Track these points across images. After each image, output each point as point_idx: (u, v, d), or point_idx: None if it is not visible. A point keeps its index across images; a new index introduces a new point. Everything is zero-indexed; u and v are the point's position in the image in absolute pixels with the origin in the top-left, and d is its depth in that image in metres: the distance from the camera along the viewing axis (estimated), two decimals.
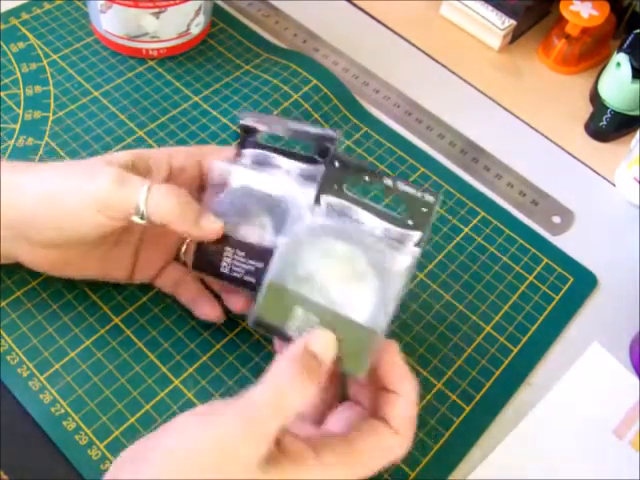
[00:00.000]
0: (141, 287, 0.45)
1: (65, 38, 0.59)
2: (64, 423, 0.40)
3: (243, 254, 0.39)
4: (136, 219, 0.38)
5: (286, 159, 0.40)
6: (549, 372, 0.45)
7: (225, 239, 0.39)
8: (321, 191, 0.37)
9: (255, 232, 0.39)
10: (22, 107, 0.54)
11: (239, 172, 0.40)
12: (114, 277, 0.44)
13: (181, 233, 0.39)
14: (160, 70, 0.58)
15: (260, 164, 0.40)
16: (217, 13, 0.62)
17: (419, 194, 0.35)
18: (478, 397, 0.44)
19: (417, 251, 0.35)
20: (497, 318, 0.47)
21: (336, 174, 0.37)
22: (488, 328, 0.47)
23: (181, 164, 0.42)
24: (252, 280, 0.39)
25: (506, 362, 0.45)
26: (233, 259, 0.39)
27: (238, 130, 0.40)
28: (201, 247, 0.40)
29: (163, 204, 0.37)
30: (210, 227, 0.38)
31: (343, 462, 0.33)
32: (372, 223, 0.36)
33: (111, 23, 0.56)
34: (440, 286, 0.48)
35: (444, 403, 0.43)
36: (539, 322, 0.47)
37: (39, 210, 0.38)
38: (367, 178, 0.36)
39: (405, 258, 0.35)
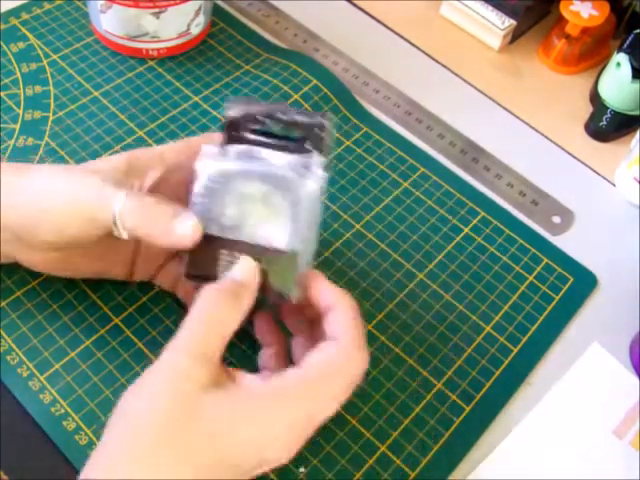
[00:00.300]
0: (141, 287, 0.45)
1: (65, 38, 0.59)
2: (64, 423, 0.40)
3: (240, 254, 0.38)
4: (117, 231, 0.37)
5: (274, 152, 0.39)
6: (549, 372, 0.45)
7: (217, 242, 0.37)
8: (225, 142, 0.39)
9: (246, 229, 0.38)
10: (22, 107, 0.54)
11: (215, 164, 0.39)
12: (114, 275, 0.44)
13: (156, 245, 0.37)
14: (160, 70, 0.58)
15: (245, 158, 0.39)
16: (217, 13, 0.62)
17: (310, 120, 0.38)
18: (478, 397, 0.44)
19: (322, 174, 0.38)
20: (497, 318, 0.47)
21: (234, 122, 0.39)
22: (488, 328, 0.47)
23: (174, 162, 0.41)
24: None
25: (506, 362, 0.45)
26: (231, 262, 0.37)
27: (223, 122, 0.40)
28: (193, 253, 0.37)
29: (134, 213, 0.36)
30: (181, 233, 0.36)
31: (293, 385, 0.34)
32: (276, 159, 0.38)
33: (111, 23, 0.56)
34: (440, 286, 0.48)
35: (444, 403, 0.43)
36: (539, 322, 0.47)
37: (33, 216, 0.38)
38: (260, 117, 0.39)
39: (312, 182, 0.38)
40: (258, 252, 0.37)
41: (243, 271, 0.36)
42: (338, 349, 0.36)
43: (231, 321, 0.35)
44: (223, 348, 0.34)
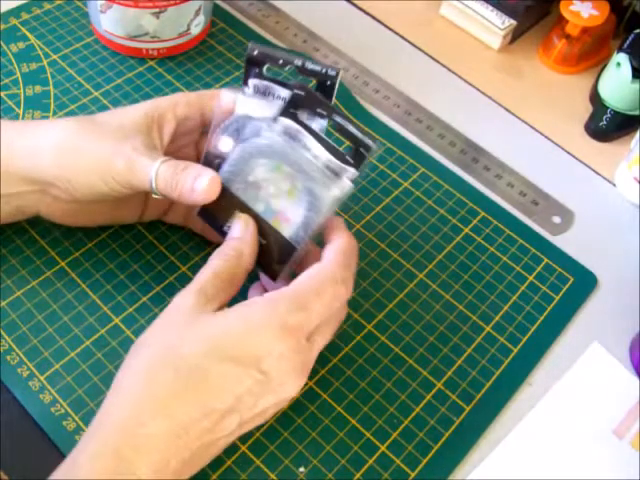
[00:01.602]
0: (141, 287, 0.45)
1: (65, 38, 0.59)
2: (64, 423, 0.40)
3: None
4: (155, 194, 0.41)
5: (287, 90, 0.42)
6: (549, 372, 0.45)
7: (234, 200, 0.41)
8: (248, 76, 0.42)
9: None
10: (22, 107, 0.54)
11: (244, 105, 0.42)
12: (127, 221, 0.47)
13: (183, 203, 0.41)
14: (160, 70, 0.58)
15: (262, 94, 0.42)
16: (217, 13, 0.62)
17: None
18: (478, 397, 0.44)
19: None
20: (497, 318, 0.47)
21: (254, 61, 0.42)
22: (488, 328, 0.47)
23: (184, 113, 0.43)
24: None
25: (506, 362, 0.45)
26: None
27: (244, 61, 0.42)
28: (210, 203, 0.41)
29: (167, 180, 0.40)
30: (203, 189, 0.40)
31: (275, 298, 0.36)
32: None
33: (111, 23, 0.56)
34: (440, 286, 0.48)
35: (444, 403, 0.43)
36: (539, 322, 0.47)
37: (67, 174, 0.41)
38: (280, 62, 0.42)
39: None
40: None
41: (239, 228, 0.40)
42: (324, 267, 0.38)
43: (227, 265, 0.38)
44: (222, 288, 0.37)
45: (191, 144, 0.46)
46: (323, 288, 0.37)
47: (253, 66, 0.42)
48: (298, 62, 0.42)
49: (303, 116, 0.41)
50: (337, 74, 0.42)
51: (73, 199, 0.42)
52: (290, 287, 0.37)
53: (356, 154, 0.40)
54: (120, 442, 0.33)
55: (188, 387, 0.34)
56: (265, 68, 0.42)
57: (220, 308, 0.37)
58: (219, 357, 0.34)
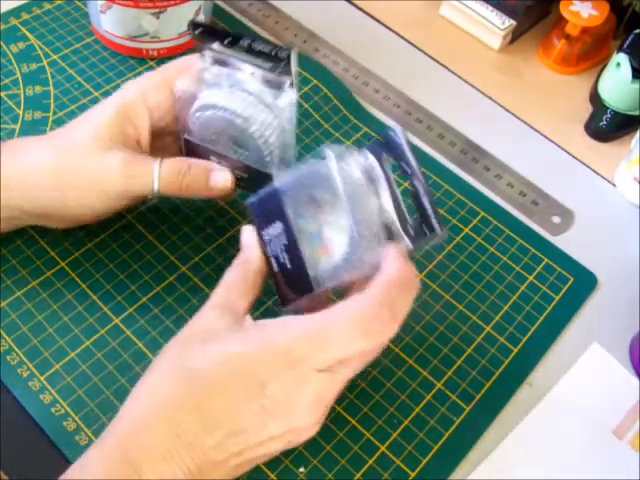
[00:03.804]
0: (141, 287, 0.45)
1: (65, 38, 0.59)
2: (64, 423, 0.40)
3: (227, 164, 0.44)
4: (151, 195, 0.42)
5: (248, 65, 0.42)
6: (549, 372, 0.45)
7: (210, 152, 0.43)
8: (202, 46, 0.42)
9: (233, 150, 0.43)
10: (22, 107, 0.54)
11: (205, 93, 0.42)
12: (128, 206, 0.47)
13: (195, 198, 0.45)
14: None
15: (222, 64, 0.43)
16: (217, 13, 0.62)
17: (274, 52, 0.40)
18: (478, 397, 0.44)
19: (294, 91, 0.41)
20: (497, 318, 0.47)
21: (207, 37, 0.42)
22: (488, 328, 0.47)
23: (156, 100, 0.43)
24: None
25: (506, 362, 0.45)
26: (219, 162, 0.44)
27: (192, 29, 0.42)
28: (189, 152, 0.45)
29: (174, 180, 0.42)
30: (220, 186, 0.43)
31: (302, 321, 0.36)
32: (250, 70, 0.42)
33: (111, 23, 0.56)
34: (440, 286, 0.48)
35: (444, 403, 0.43)
36: (539, 322, 0.47)
37: (58, 200, 0.42)
38: (227, 40, 0.41)
39: (288, 94, 0.41)
40: (238, 166, 0.43)
41: (245, 237, 0.41)
42: (352, 303, 0.36)
43: (236, 274, 0.39)
44: (237, 297, 0.38)
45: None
46: (345, 327, 0.35)
47: (203, 38, 0.42)
48: (244, 42, 0.41)
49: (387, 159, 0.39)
50: (289, 53, 0.40)
51: (76, 221, 0.44)
52: (312, 319, 0.36)
53: (419, 228, 0.37)
54: (127, 443, 0.33)
55: (192, 400, 0.34)
56: (214, 46, 0.42)
57: (245, 313, 0.38)
58: (226, 377, 0.34)
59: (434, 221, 0.37)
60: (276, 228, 0.40)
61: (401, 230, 0.37)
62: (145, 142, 0.44)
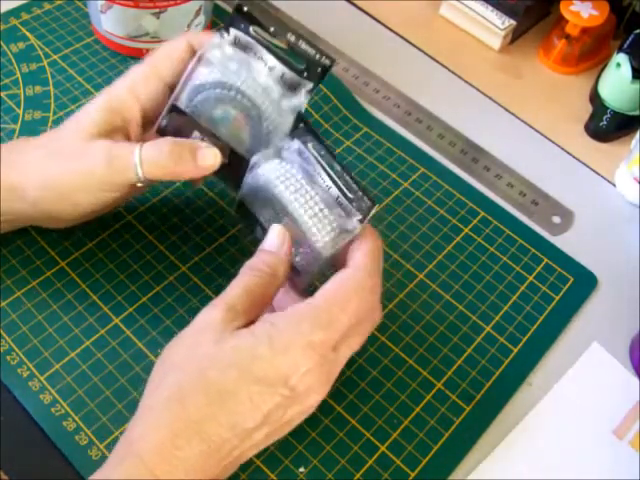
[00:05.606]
0: (141, 287, 0.45)
1: (65, 38, 0.59)
2: (64, 423, 0.40)
3: (210, 141, 0.42)
4: (138, 182, 0.40)
5: (273, 57, 0.41)
6: (549, 372, 0.45)
7: (195, 124, 0.42)
8: (230, 24, 0.40)
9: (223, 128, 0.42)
10: (22, 107, 0.54)
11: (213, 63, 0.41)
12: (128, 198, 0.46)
13: (182, 179, 0.42)
14: None
15: (244, 49, 0.41)
16: (217, 13, 0.62)
17: (317, 56, 0.39)
18: (478, 397, 0.44)
19: (307, 98, 0.40)
20: (497, 318, 0.47)
21: (244, 19, 0.40)
22: (488, 328, 0.47)
23: (145, 91, 0.43)
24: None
25: (506, 362, 0.45)
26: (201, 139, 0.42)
27: (233, 9, 0.41)
28: (171, 127, 0.43)
29: (157, 161, 0.40)
30: (210, 164, 0.41)
31: (304, 312, 0.36)
32: (272, 63, 0.40)
33: (111, 23, 0.56)
34: (440, 286, 0.48)
35: (444, 403, 0.43)
36: (539, 322, 0.47)
37: (49, 206, 0.41)
38: (273, 29, 0.40)
39: (299, 99, 0.40)
40: (220, 147, 0.41)
41: (277, 243, 0.39)
42: (349, 275, 0.37)
43: (261, 283, 0.37)
44: (253, 306, 0.37)
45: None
46: (348, 300, 0.36)
47: (240, 19, 0.41)
48: (291, 37, 0.40)
49: (251, 30, 0.40)
50: (331, 65, 0.40)
51: (73, 219, 0.44)
52: (314, 301, 0.36)
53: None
54: (156, 464, 0.33)
55: (220, 410, 0.34)
56: (252, 29, 0.41)
57: (248, 324, 0.36)
58: (248, 380, 0.34)
59: (362, 195, 0.38)
60: (259, 232, 0.41)
61: (347, 202, 0.38)
62: (135, 134, 0.43)
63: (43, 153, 0.42)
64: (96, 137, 0.41)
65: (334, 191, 0.38)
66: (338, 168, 0.38)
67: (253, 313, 0.37)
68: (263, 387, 0.34)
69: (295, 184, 0.38)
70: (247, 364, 0.34)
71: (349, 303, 0.36)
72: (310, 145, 0.39)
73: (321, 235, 0.38)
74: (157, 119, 0.43)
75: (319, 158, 0.38)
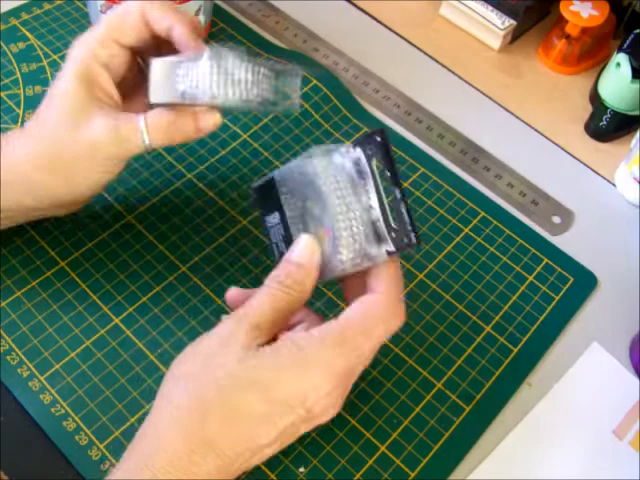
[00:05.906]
0: (141, 287, 0.45)
1: (65, 38, 0.59)
2: (64, 423, 0.40)
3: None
4: (142, 150, 0.41)
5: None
6: (549, 372, 0.45)
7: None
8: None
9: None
10: (22, 107, 0.54)
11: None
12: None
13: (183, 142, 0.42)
14: None
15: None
16: (217, 13, 0.62)
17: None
18: (478, 397, 0.44)
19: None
20: (497, 318, 0.47)
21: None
22: (488, 328, 0.47)
23: (107, 55, 0.41)
24: None
25: (506, 362, 0.45)
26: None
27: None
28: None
29: (162, 131, 0.40)
30: (211, 127, 0.42)
31: (331, 335, 0.35)
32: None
33: None
34: (440, 286, 0.48)
35: (444, 403, 0.43)
36: (539, 322, 0.47)
37: (50, 191, 0.41)
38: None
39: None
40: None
41: (306, 256, 0.37)
42: (376, 301, 0.36)
43: (289, 300, 0.36)
44: (278, 323, 0.36)
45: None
46: (374, 327, 0.35)
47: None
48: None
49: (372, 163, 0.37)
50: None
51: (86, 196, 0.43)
52: (339, 324, 0.35)
53: (397, 235, 0.36)
54: (173, 477, 0.33)
55: (237, 427, 0.34)
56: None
57: (270, 340, 0.36)
58: (268, 401, 0.34)
59: (410, 230, 0.36)
60: (275, 217, 0.40)
61: (385, 229, 0.37)
62: (117, 97, 0.42)
63: (34, 141, 0.41)
64: (88, 114, 0.40)
65: (375, 213, 0.37)
66: (398, 195, 0.36)
67: (276, 329, 0.36)
68: (282, 408, 0.34)
69: (343, 190, 0.37)
70: (269, 385, 0.34)
71: (375, 330, 0.35)
72: (374, 161, 0.37)
73: (347, 251, 0.36)
74: (127, 86, 0.43)
75: (377, 177, 0.37)
